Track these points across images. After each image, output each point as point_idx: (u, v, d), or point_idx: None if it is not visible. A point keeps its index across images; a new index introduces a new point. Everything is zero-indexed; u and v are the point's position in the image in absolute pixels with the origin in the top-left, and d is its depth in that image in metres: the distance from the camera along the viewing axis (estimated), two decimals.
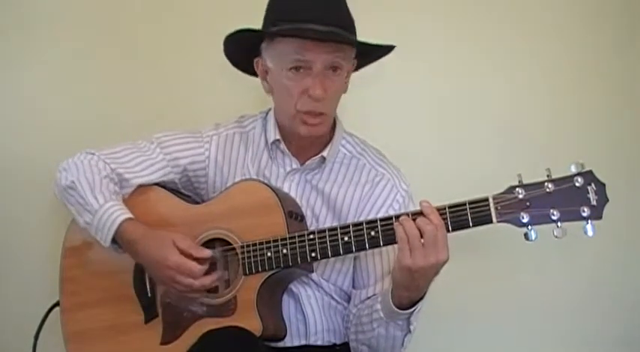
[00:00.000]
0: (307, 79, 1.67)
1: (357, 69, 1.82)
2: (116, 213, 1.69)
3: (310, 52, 1.65)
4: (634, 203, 2.07)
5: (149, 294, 1.76)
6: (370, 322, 1.69)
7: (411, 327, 1.67)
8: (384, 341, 1.70)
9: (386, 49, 1.75)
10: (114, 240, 1.70)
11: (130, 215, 1.70)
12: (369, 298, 1.76)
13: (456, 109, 2.16)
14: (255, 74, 1.82)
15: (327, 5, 1.67)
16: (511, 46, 2.15)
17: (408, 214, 1.55)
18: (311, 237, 1.63)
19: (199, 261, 1.65)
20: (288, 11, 1.68)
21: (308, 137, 1.74)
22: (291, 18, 1.66)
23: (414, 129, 2.16)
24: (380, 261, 1.77)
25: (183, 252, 1.65)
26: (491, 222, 1.51)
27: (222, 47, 1.78)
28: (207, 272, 1.67)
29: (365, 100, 2.08)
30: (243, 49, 1.76)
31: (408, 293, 1.58)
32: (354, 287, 1.81)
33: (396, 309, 1.62)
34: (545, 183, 1.49)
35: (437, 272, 1.55)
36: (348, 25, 1.70)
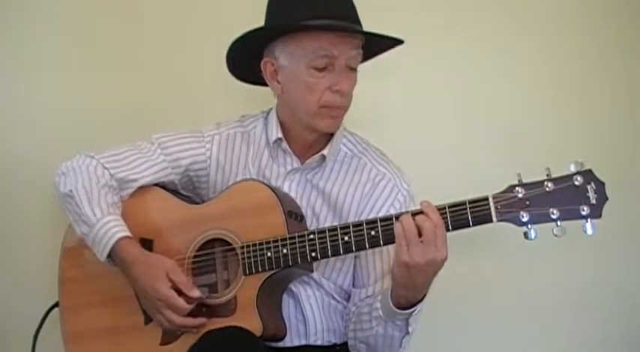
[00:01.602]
0: (332, 74, 1.69)
1: None
2: (112, 230, 1.68)
3: (337, 48, 1.67)
4: (633, 202, 2.07)
5: None
6: (369, 320, 1.70)
7: (410, 329, 1.68)
8: (381, 341, 1.71)
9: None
10: (110, 255, 1.70)
11: (126, 233, 1.70)
12: (368, 297, 1.76)
13: (456, 109, 2.17)
14: (252, 82, 1.84)
15: (342, 3, 1.71)
16: (513, 45, 2.16)
17: (408, 213, 1.56)
18: (311, 236, 1.64)
19: (188, 298, 1.65)
20: (307, 10, 1.68)
21: (321, 134, 1.76)
22: (311, 15, 1.67)
23: (414, 129, 2.16)
24: (380, 260, 1.77)
25: (174, 286, 1.65)
26: (491, 221, 1.52)
27: (221, 47, 1.77)
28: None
29: (366, 100, 2.08)
30: (246, 55, 1.76)
31: (407, 292, 1.58)
32: (354, 285, 1.81)
33: (394, 309, 1.62)
34: (545, 182, 1.49)
35: (435, 271, 1.55)
36: (359, 22, 1.72)
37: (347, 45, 1.68)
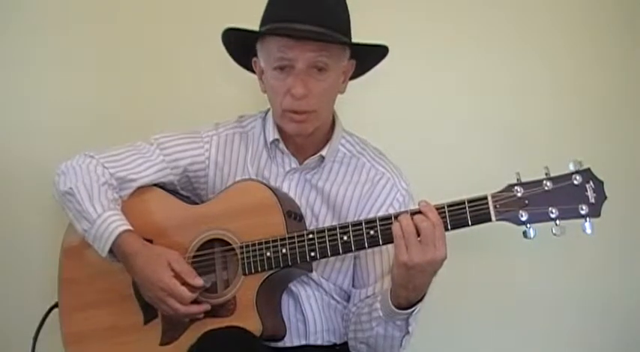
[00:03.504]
0: (290, 78, 1.68)
1: (360, 74, 1.83)
2: (114, 224, 1.68)
3: (292, 51, 1.66)
4: (633, 200, 2.07)
5: None
6: (369, 321, 1.69)
7: (410, 328, 1.67)
8: (382, 341, 1.70)
9: (380, 52, 1.75)
10: (110, 250, 1.70)
11: (128, 226, 1.70)
12: (368, 297, 1.76)
13: (455, 109, 2.16)
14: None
15: (316, 5, 1.68)
16: (512, 45, 2.16)
17: (407, 212, 1.56)
18: (310, 236, 1.63)
19: (191, 287, 1.65)
20: (277, 11, 1.70)
21: (297, 135, 1.75)
22: (278, 18, 1.68)
23: (413, 128, 2.16)
24: (380, 260, 1.77)
25: (176, 275, 1.65)
26: (490, 220, 1.51)
27: (222, 47, 1.78)
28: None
29: (365, 100, 2.08)
30: (244, 49, 1.77)
31: (406, 292, 1.58)
32: (353, 286, 1.81)
33: (394, 309, 1.62)
34: (544, 181, 1.49)
35: (435, 271, 1.55)
36: (337, 24, 1.70)
37: (304, 47, 1.66)
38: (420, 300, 1.61)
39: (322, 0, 1.69)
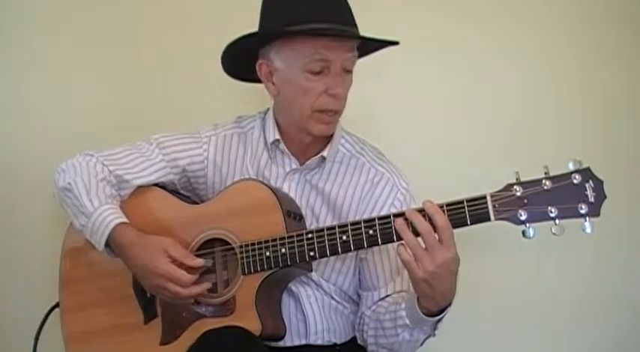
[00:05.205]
0: (327, 78, 1.68)
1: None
2: (110, 217, 1.69)
3: (332, 52, 1.67)
4: (633, 200, 2.06)
5: (148, 295, 1.76)
6: (394, 327, 1.67)
7: (436, 331, 1.66)
8: (406, 345, 1.69)
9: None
10: (107, 244, 1.70)
11: (123, 219, 1.70)
12: (381, 299, 1.75)
13: (455, 109, 2.16)
14: (249, 80, 1.83)
15: (337, 5, 1.69)
16: (513, 45, 2.15)
17: (408, 231, 1.53)
18: (309, 236, 1.63)
19: (190, 269, 1.65)
20: (300, 12, 1.67)
21: (323, 136, 1.76)
22: (306, 19, 1.66)
23: (413, 128, 2.16)
24: (388, 262, 1.76)
25: (174, 261, 1.65)
26: (489, 219, 1.50)
27: (220, 47, 1.77)
28: (203, 273, 1.69)
29: (365, 99, 2.08)
30: (241, 55, 1.76)
31: (434, 300, 1.56)
32: (363, 289, 1.80)
33: (424, 317, 1.59)
34: (543, 181, 1.48)
35: (452, 271, 1.53)
36: (355, 23, 1.71)
37: (342, 48, 1.67)
38: (449, 304, 1.59)
39: None
